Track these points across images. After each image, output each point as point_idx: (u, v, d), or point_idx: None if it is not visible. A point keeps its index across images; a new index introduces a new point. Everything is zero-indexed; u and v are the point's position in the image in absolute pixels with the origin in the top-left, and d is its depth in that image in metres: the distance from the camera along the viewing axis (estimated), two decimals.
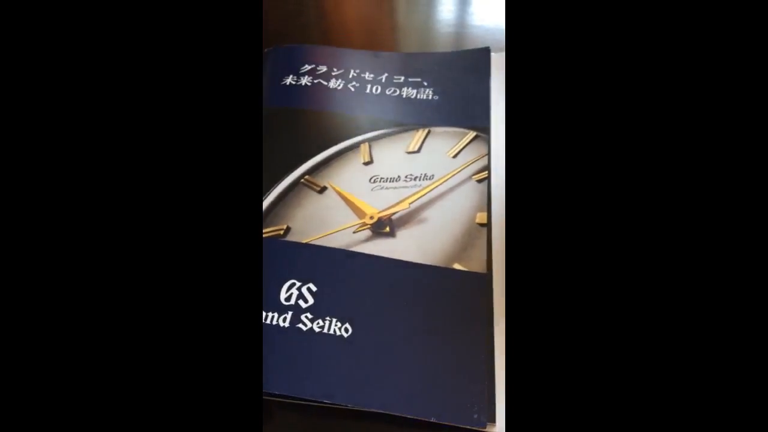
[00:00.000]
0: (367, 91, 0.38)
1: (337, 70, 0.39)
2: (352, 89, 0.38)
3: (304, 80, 0.38)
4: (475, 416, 0.24)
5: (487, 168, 0.33)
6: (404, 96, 0.37)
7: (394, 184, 0.32)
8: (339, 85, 0.38)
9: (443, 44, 0.43)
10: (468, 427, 0.24)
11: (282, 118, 0.36)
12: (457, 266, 0.29)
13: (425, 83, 0.38)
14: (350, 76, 0.39)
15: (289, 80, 0.39)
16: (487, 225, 0.31)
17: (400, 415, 0.24)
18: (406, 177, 0.33)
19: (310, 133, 0.35)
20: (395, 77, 0.39)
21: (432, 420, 0.24)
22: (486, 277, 0.28)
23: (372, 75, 0.39)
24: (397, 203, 0.31)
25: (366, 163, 0.33)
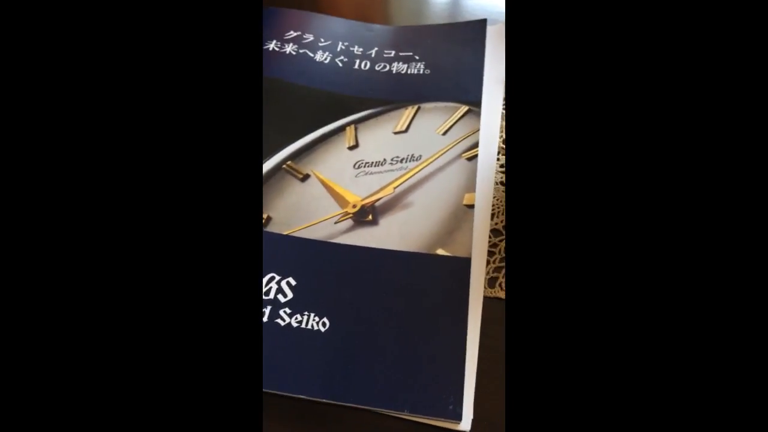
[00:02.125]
0: (356, 66, 0.36)
1: (325, 40, 0.38)
2: (340, 64, 0.37)
3: (289, 48, 0.37)
4: (451, 407, 0.24)
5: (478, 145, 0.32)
6: (394, 71, 0.36)
7: (379, 168, 0.32)
8: (326, 59, 0.37)
9: (438, 18, 0.40)
10: (442, 418, 0.24)
11: (264, 89, 0.35)
12: (440, 251, 0.28)
13: (416, 57, 0.36)
14: (338, 49, 0.37)
15: (272, 46, 0.37)
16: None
17: (372, 409, 0.24)
18: (392, 160, 0.32)
19: (295, 112, 0.34)
20: (386, 51, 0.37)
21: (405, 412, 0.24)
22: (470, 262, 0.27)
23: (361, 49, 0.37)
24: (381, 189, 0.31)
25: (351, 148, 0.33)
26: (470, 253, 0.28)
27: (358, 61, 0.37)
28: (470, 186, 0.30)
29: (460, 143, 0.32)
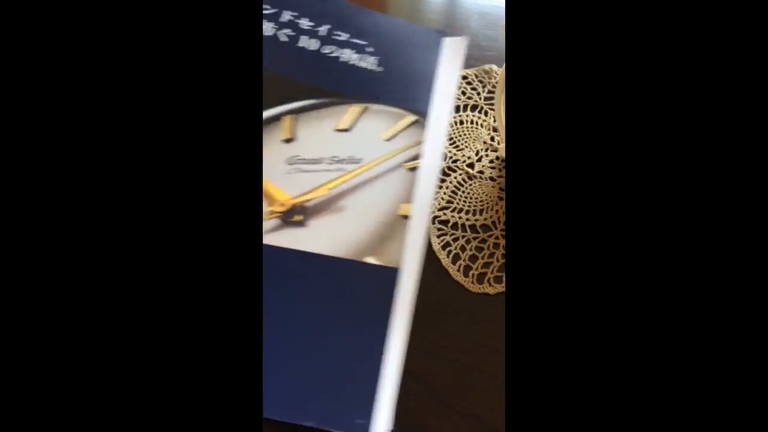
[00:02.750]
0: (301, 44, 0.33)
1: (271, 7, 0.34)
2: (284, 38, 0.33)
3: None
4: (358, 421, 0.24)
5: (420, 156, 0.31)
6: (342, 59, 0.33)
7: (315, 166, 0.30)
8: (269, 30, 0.33)
9: (430, 10, 0.38)
10: None
11: None
12: (369, 260, 0.27)
13: (370, 49, 0.34)
14: (284, 20, 0.34)
15: None
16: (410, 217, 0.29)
17: (275, 419, 0.23)
18: (330, 159, 0.30)
19: None
20: (336, 33, 0.34)
21: (310, 425, 0.23)
22: (399, 273, 0.27)
23: (311, 23, 0.34)
24: (315, 189, 0.29)
25: (286, 141, 0.30)
26: (400, 264, 0.28)
27: (305, 39, 0.34)
28: (408, 197, 0.30)
29: (404, 152, 0.31)
